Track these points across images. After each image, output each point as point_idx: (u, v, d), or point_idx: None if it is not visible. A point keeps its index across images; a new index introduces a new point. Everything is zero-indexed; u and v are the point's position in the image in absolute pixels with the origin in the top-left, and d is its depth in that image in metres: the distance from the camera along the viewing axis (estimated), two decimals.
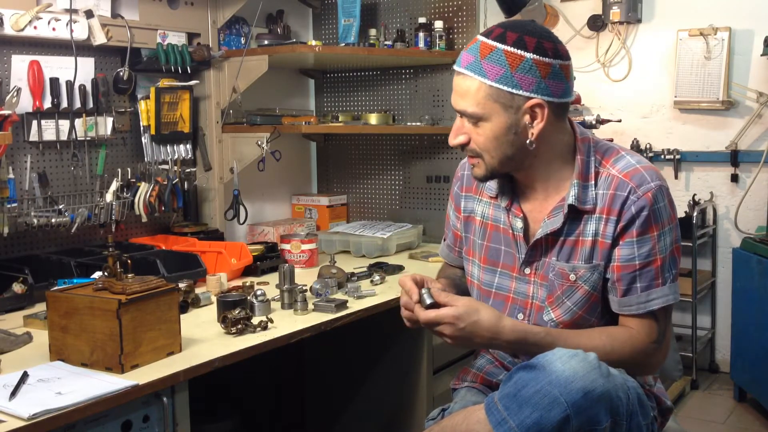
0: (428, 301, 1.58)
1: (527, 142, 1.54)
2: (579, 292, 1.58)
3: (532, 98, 1.50)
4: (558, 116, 1.55)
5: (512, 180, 1.66)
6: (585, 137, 1.61)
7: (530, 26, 1.53)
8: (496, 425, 1.37)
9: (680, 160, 4.06)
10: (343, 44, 2.99)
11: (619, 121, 4.01)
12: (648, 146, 4.08)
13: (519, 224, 1.64)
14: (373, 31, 3.07)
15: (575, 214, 1.57)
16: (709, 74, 3.90)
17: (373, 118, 3.10)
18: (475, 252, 1.74)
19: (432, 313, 1.54)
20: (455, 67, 1.56)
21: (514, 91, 1.49)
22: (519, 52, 1.48)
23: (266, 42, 2.95)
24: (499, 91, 1.50)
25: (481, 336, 1.52)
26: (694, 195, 3.96)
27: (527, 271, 1.64)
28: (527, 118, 1.52)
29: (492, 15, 3.84)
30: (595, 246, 1.56)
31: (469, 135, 1.57)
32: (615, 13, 4.04)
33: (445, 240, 1.92)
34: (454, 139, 1.59)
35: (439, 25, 3.00)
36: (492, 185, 1.69)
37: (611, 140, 2.62)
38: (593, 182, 1.57)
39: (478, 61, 1.51)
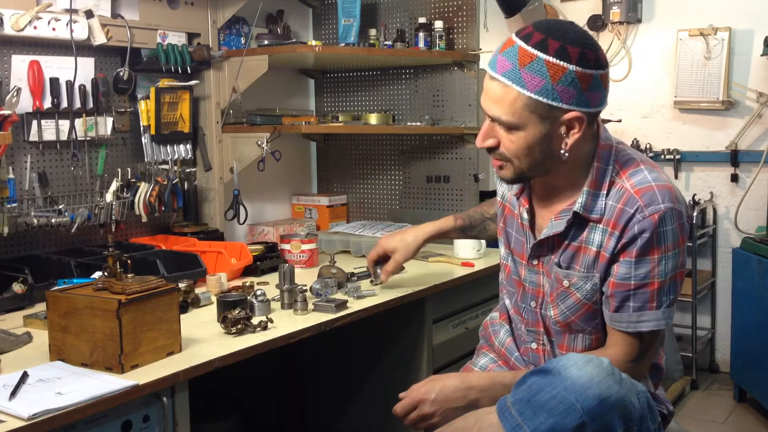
0: (375, 281, 2.22)
1: (561, 152, 1.49)
2: (571, 298, 1.58)
3: (571, 111, 1.44)
4: (591, 125, 1.51)
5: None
6: (608, 144, 1.56)
7: (571, 33, 1.45)
8: (511, 430, 1.36)
9: (680, 160, 4.06)
10: (343, 44, 2.99)
11: (619, 121, 4.01)
12: (648, 146, 4.08)
13: (525, 215, 1.64)
14: (373, 31, 3.07)
15: (581, 221, 1.55)
16: (709, 74, 3.91)
17: (373, 118, 3.10)
18: (502, 232, 1.77)
19: (405, 400, 1.63)
20: (489, 71, 1.49)
21: (553, 103, 1.43)
22: (562, 63, 1.41)
23: (266, 42, 2.95)
24: (537, 103, 1.43)
25: (456, 395, 1.58)
26: (694, 195, 3.97)
27: (534, 262, 1.65)
28: (563, 128, 1.47)
29: (492, 15, 3.86)
30: (597, 257, 1.54)
31: (499, 139, 1.52)
32: (615, 13, 4.04)
33: None
34: (483, 142, 1.54)
35: (439, 25, 3.00)
36: None
37: None
38: (605, 192, 1.53)
39: (516, 69, 1.43)
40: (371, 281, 2.28)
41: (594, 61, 1.44)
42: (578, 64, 1.42)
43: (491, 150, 1.55)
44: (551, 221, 1.59)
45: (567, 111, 1.44)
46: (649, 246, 1.48)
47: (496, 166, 1.58)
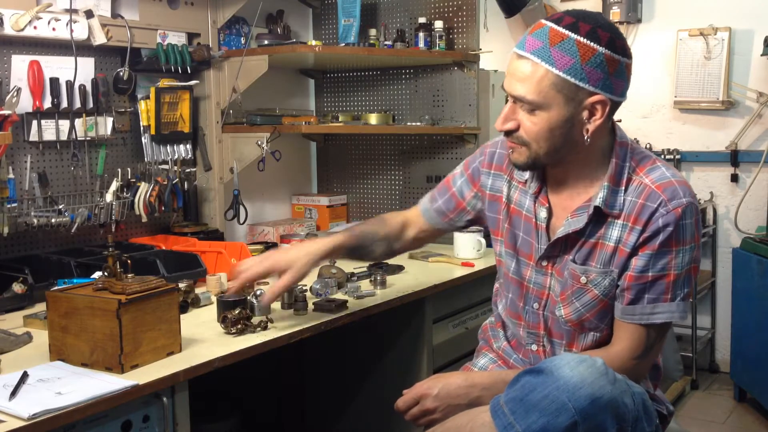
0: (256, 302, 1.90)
1: (585, 138, 1.50)
2: (588, 294, 1.57)
3: (596, 94, 1.46)
4: (610, 116, 1.52)
5: (543, 168, 1.63)
6: (624, 141, 1.58)
7: (601, 19, 1.49)
8: (502, 429, 1.36)
9: (680, 160, 4.06)
10: (343, 44, 2.99)
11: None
12: (648, 146, 4.08)
13: (543, 214, 1.63)
14: (373, 31, 3.07)
15: (599, 217, 1.55)
16: (709, 74, 3.91)
17: (373, 118, 3.10)
18: (503, 233, 1.74)
19: (408, 394, 1.63)
20: (517, 50, 1.50)
21: (580, 84, 1.45)
22: (592, 44, 1.44)
23: (266, 42, 2.95)
24: (565, 82, 1.44)
25: (458, 392, 1.59)
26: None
27: (544, 263, 1.63)
28: (586, 113, 1.48)
29: (492, 15, 3.86)
30: (615, 253, 1.54)
31: (519, 122, 1.52)
32: (615, 13, 4.04)
33: (434, 199, 1.90)
34: (504, 125, 1.53)
35: (439, 25, 3.00)
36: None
37: None
38: (623, 188, 1.54)
39: (546, 48, 1.44)
40: (255, 301, 1.94)
41: (621, 48, 1.48)
42: (607, 47, 1.45)
43: (510, 133, 1.54)
44: (567, 219, 1.58)
45: (592, 94, 1.46)
46: (670, 239, 1.49)
47: (510, 148, 1.58)
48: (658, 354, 1.62)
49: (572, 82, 1.45)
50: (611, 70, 1.46)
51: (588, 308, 1.58)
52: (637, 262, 1.52)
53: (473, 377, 1.62)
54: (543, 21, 1.49)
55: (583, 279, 1.57)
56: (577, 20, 1.46)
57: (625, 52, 1.49)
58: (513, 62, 1.51)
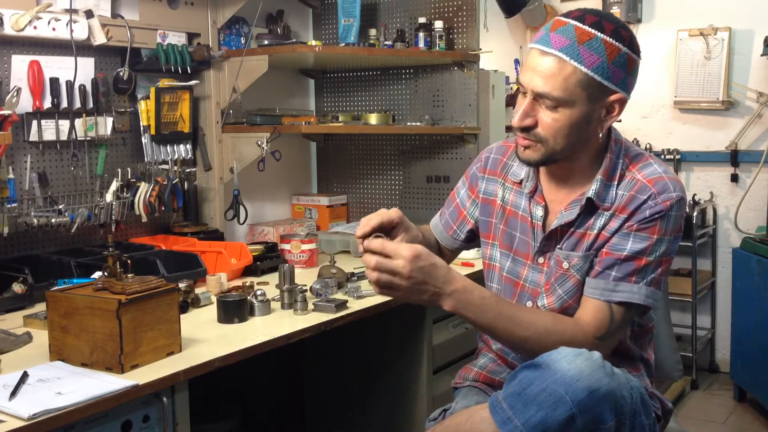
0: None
1: (598, 135, 1.54)
2: (571, 280, 1.59)
3: (617, 92, 1.50)
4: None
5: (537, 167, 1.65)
6: (619, 139, 1.62)
7: (618, 18, 1.53)
8: (501, 424, 1.37)
9: (680, 160, 4.06)
10: (343, 44, 2.99)
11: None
12: (648, 146, 4.09)
13: (540, 212, 1.64)
14: (373, 31, 3.07)
15: (591, 209, 1.58)
16: (709, 74, 3.91)
17: (373, 118, 3.10)
18: (496, 236, 1.75)
19: (391, 245, 1.47)
20: (540, 47, 1.50)
21: (605, 82, 1.48)
22: (617, 44, 1.47)
23: (266, 42, 2.95)
24: (591, 80, 1.47)
25: (434, 281, 1.44)
26: (694, 195, 3.97)
27: (540, 260, 1.65)
28: (603, 111, 1.52)
29: (492, 15, 3.86)
30: (597, 238, 1.57)
31: (537, 118, 1.52)
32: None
33: (442, 214, 1.91)
34: (522, 121, 1.53)
35: (439, 25, 3.00)
36: (518, 171, 1.69)
37: None
38: (616, 182, 1.57)
39: (575, 46, 1.46)
40: (254, 301, 1.99)
41: (637, 48, 1.53)
42: (629, 47, 1.49)
43: (526, 129, 1.54)
44: (561, 212, 1.61)
45: (613, 92, 1.50)
46: (653, 225, 1.52)
47: (522, 145, 1.57)
48: (617, 342, 1.60)
49: (598, 81, 1.48)
50: (630, 69, 1.51)
51: (570, 295, 1.59)
52: (614, 240, 1.55)
53: (454, 276, 1.46)
54: (562, 18, 1.51)
55: (565, 264, 1.59)
56: (600, 19, 1.49)
57: (639, 53, 1.54)
58: (535, 58, 1.51)
